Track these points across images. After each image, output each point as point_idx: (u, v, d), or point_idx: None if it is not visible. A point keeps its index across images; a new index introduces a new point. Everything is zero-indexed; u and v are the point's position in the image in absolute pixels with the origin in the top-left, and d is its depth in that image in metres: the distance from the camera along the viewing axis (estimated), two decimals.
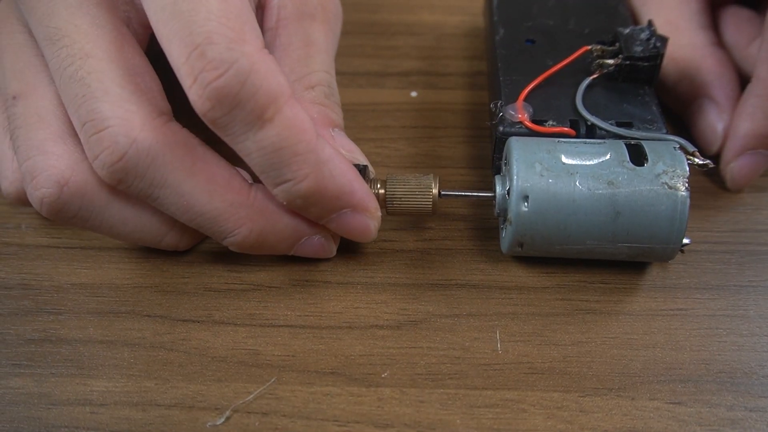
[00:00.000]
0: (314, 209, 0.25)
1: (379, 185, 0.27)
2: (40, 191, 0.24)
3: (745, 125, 0.29)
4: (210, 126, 0.22)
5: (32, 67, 0.26)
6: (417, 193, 0.27)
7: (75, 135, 0.25)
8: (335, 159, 0.24)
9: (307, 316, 0.27)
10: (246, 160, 0.23)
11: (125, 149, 0.23)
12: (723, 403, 0.24)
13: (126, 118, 0.23)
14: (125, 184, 0.23)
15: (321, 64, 0.28)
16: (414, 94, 0.36)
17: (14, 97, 0.25)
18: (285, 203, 0.24)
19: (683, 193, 0.24)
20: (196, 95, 0.21)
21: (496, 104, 0.29)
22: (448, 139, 0.33)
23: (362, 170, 0.27)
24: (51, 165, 0.24)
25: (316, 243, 0.27)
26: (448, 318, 0.26)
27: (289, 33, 0.28)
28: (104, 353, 0.25)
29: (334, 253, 0.28)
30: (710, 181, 0.31)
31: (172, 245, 0.27)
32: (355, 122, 0.34)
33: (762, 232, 0.29)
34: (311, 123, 0.23)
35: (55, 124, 0.25)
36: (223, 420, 0.24)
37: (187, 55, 0.21)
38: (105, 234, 0.26)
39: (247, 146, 0.22)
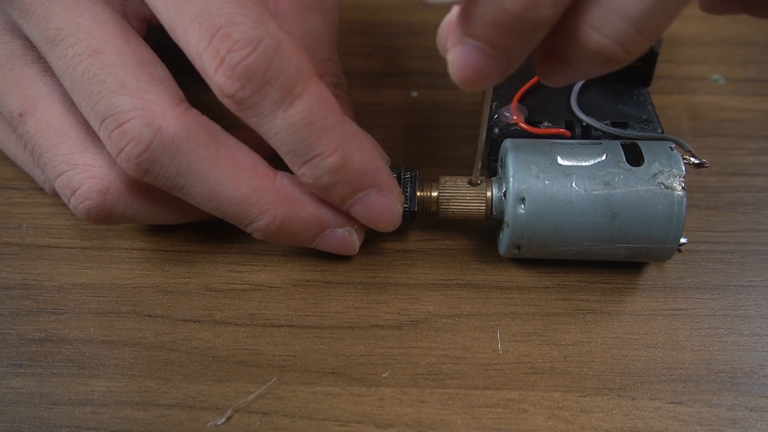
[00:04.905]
0: (340, 188, 0.24)
1: (432, 187, 0.27)
2: (84, 204, 0.24)
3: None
4: (235, 108, 0.22)
5: (26, 78, 0.25)
6: (470, 197, 0.27)
7: (94, 140, 0.25)
8: (361, 134, 0.24)
9: (308, 316, 0.27)
10: (272, 140, 0.23)
11: (150, 139, 0.22)
12: (724, 402, 0.24)
13: (147, 108, 0.22)
14: (151, 175, 0.23)
15: (325, 52, 0.28)
16: (414, 94, 0.36)
17: (21, 115, 0.25)
18: (311, 182, 0.24)
19: (680, 193, 0.24)
20: (224, 77, 0.21)
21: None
22: (449, 139, 0.33)
23: (415, 175, 0.27)
24: (87, 177, 0.24)
25: (339, 237, 0.26)
26: (448, 318, 0.26)
27: (289, 25, 0.28)
28: (105, 353, 0.25)
29: (357, 249, 0.27)
30: (710, 180, 0.31)
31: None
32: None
33: (762, 231, 0.29)
34: (334, 98, 0.23)
35: (73, 135, 0.25)
36: (223, 420, 0.24)
37: (210, 38, 0.21)
38: (158, 222, 0.27)
39: (275, 125, 0.22)
